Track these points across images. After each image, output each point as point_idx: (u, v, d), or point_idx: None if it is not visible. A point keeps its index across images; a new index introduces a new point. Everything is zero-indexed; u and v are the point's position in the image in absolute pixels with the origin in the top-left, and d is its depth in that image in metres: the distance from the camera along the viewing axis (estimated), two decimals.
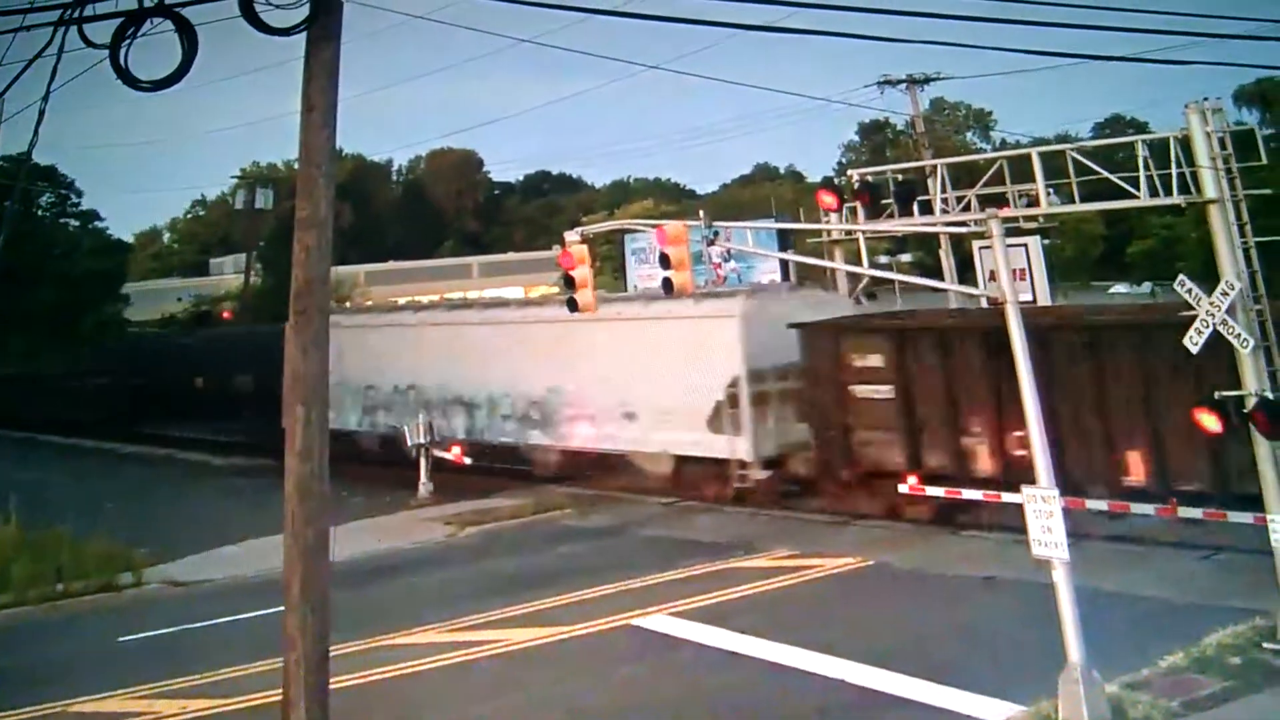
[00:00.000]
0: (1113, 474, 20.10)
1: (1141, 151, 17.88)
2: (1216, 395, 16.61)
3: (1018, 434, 18.72)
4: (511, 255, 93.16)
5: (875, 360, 23.42)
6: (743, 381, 25.67)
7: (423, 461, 29.70)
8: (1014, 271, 16.24)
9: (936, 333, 23.09)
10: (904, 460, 22.76)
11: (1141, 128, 59.05)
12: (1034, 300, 21.49)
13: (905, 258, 37.89)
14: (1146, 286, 67.42)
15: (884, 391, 23.17)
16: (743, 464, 25.83)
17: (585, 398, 29.15)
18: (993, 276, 15.74)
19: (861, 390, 23.54)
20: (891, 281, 28.92)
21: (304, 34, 10.19)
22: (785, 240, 38.67)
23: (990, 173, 20.55)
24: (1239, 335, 15.70)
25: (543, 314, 30.37)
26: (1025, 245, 23.10)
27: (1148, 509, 19.58)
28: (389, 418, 33.37)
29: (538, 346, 29.88)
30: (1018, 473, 16.47)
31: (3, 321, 54.15)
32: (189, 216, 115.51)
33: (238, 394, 39.78)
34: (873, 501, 23.74)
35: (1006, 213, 17.87)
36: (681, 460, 27.21)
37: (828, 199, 22.19)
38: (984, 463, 21.75)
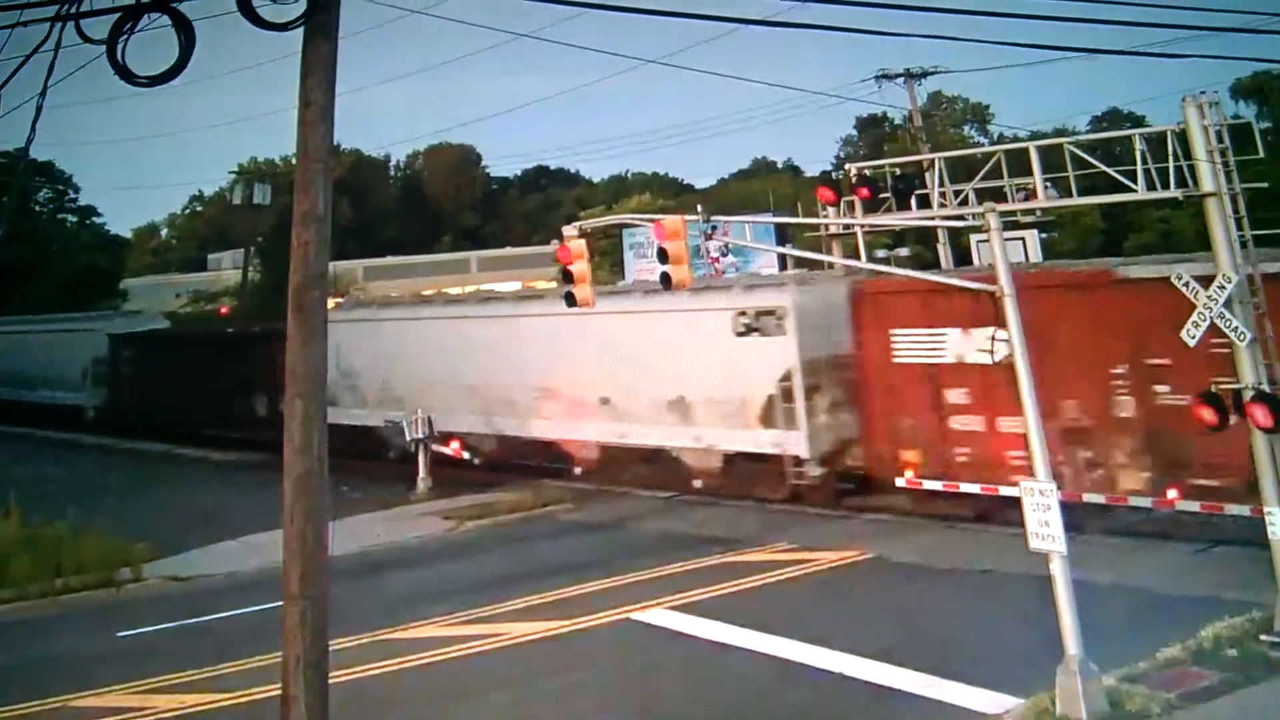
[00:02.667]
0: None
1: (1139, 145, 17.89)
2: (1214, 388, 16.65)
3: None
4: (510, 250, 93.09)
5: None
6: (796, 374, 24.68)
7: (422, 456, 29.70)
8: (1012, 265, 16.26)
9: None
10: None
11: (1139, 121, 58.99)
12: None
13: (903, 252, 37.84)
14: None
15: None
16: (798, 460, 24.92)
17: (629, 392, 27.99)
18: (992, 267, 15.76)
19: None
20: (890, 274, 28.88)
21: (301, 29, 10.19)
22: (783, 235, 38.65)
23: (988, 167, 20.53)
24: (1236, 328, 15.72)
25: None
26: (1023, 239, 23.18)
27: (1145, 502, 19.66)
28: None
29: (581, 340, 28.24)
30: None
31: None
32: (187, 212, 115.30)
33: None
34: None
35: (1004, 207, 17.87)
36: (731, 457, 26.28)
37: (826, 193, 22.21)
38: None
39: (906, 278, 22.09)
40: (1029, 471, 13.18)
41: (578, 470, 30.06)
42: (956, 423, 22.27)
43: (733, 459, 26.26)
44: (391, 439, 31.58)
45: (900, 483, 22.83)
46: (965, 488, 21.81)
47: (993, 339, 13.52)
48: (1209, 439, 16.25)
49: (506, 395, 30.61)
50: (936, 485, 22.34)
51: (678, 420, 26.96)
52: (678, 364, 26.62)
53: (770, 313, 25.34)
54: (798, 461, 24.82)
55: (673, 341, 26.76)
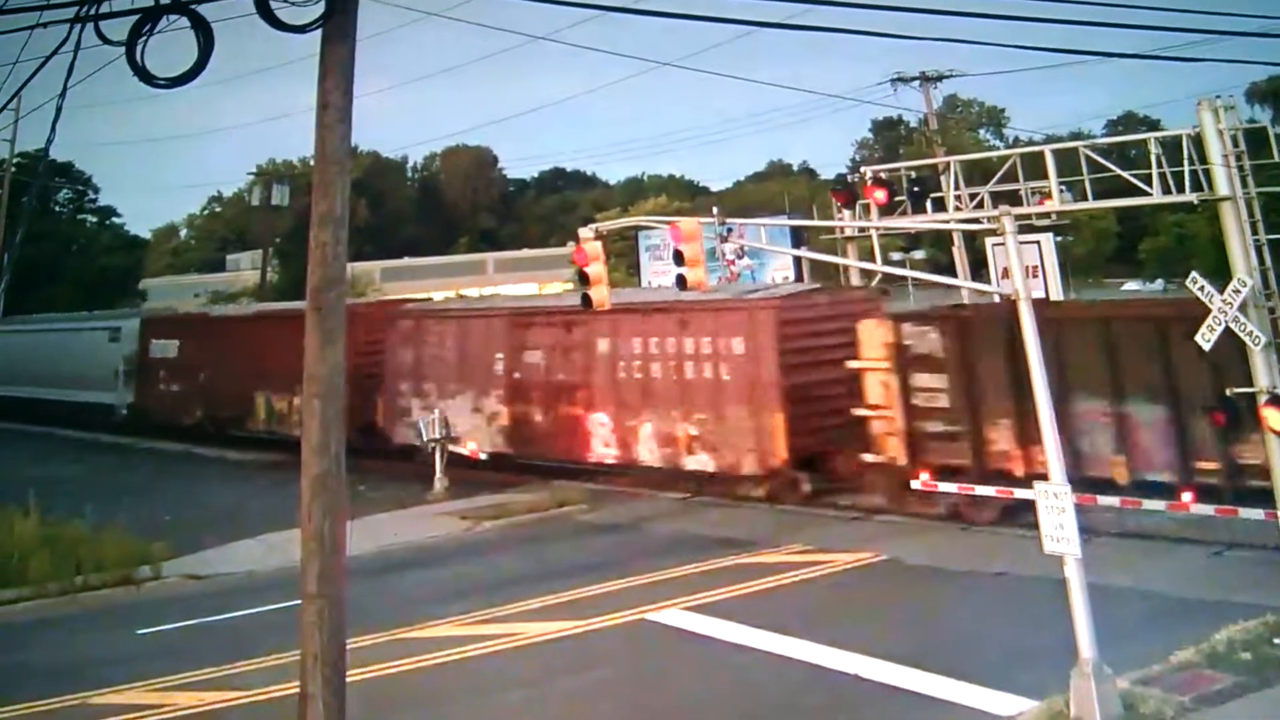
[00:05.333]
0: None
1: (1154, 149, 17.92)
2: (1229, 392, 16.66)
3: None
4: (526, 252, 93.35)
5: None
6: None
7: (438, 457, 29.79)
8: (1027, 268, 16.33)
9: None
10: None
11: (1154, 125, 58.99)
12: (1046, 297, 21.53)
13: (919, 254, 37.81)
14: (1159, 284, 67.32)
15: None
16: None
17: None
18: (1006, 273, 15.82)
19: None
20: (904, 279, 28.93)
21: (319, 31, 10.27)
22: (798, 237, 38.69)
23: (1003, 170, 20.56)
24: (1251, 333, 15.74)
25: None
26: (1038, 242, 23.12)
27: (1159, 504, 19.66)
28: None
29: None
30: None
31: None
32: (206, 213, 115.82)
33: None
34: None
35: (1019, 210, 17.92)
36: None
37: (841, 196, 22.25)
38: None
39: None
40: None
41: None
42: None
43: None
44: None
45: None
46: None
47: None
48: None
49: None
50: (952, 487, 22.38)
51: None
52: None
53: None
54: None
55: None
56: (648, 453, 27.52)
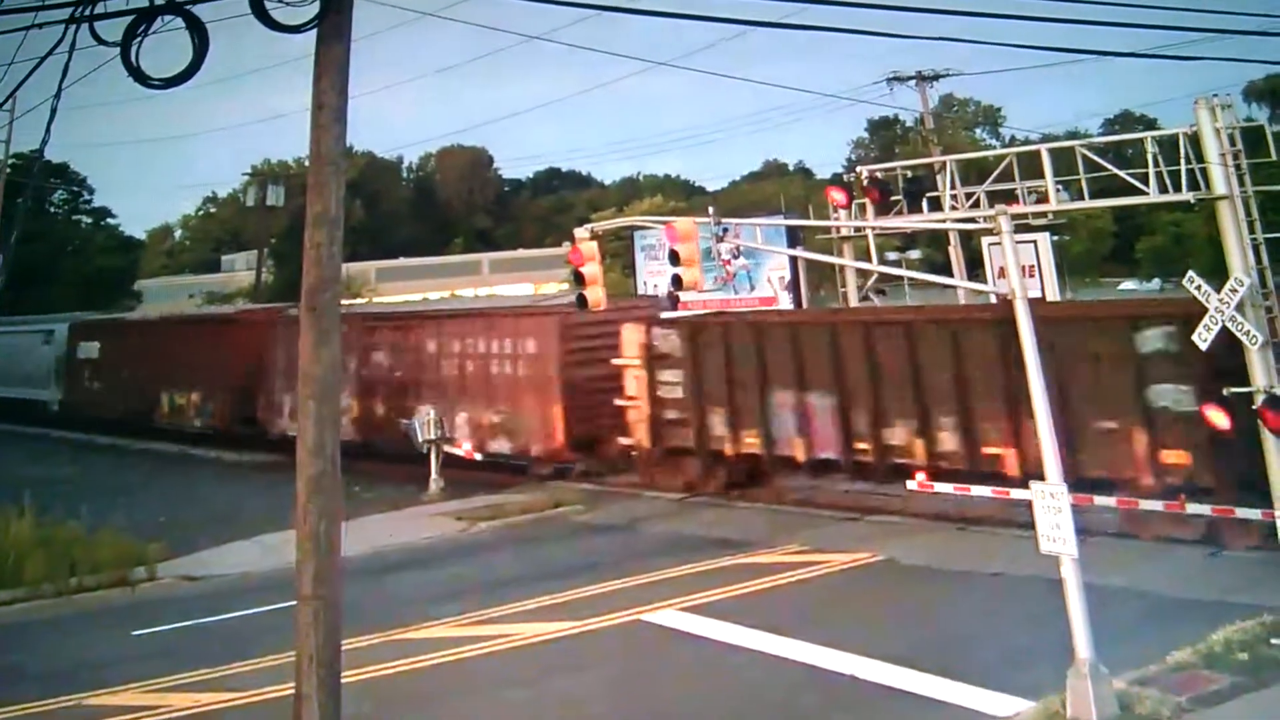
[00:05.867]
0: None
1: (1151, 148, 17.96)
2: (1225, 392, 16.67)
3: None
4: (521, 252, 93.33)
5: None
6: None
7: (433, 457, 29.77)
8: (1023, 268, 16.34)
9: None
10: None
11: (1151, 124, 58.90)
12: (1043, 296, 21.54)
13: (914, 254, 37.79)
14: (1155, 283, 67.39)
15: None
16: None
17: None
18: (1002, 273, 15.82)
19: None
20: (900, 278, 28.94)
21: (314, 31, 10.25)
22: (794, 237, 38.59)
23: (1000, 169, 20.60)
24: (1248, 332, 15.75)
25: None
26: (1035, 242, 23.16)
27: (1157, 505, 19.66)
28: None
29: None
30: None
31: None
32: (200, 214, 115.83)
33: None
34: None
35: (1016, 209, 17.93)
36: None
37: (837, 195, 22.26)
38: None
39: None
40: None
41: None
42: None
43: None
44: None
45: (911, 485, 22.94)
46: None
47: None
48: None
49: None
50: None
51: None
52: None
53: None
54: None
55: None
56: (463, 438, 31.32)
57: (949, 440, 22.21)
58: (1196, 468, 19.17)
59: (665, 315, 28.45)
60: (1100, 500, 19.93)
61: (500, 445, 30.90)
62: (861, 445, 23.61)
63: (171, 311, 49.47)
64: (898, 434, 22.93)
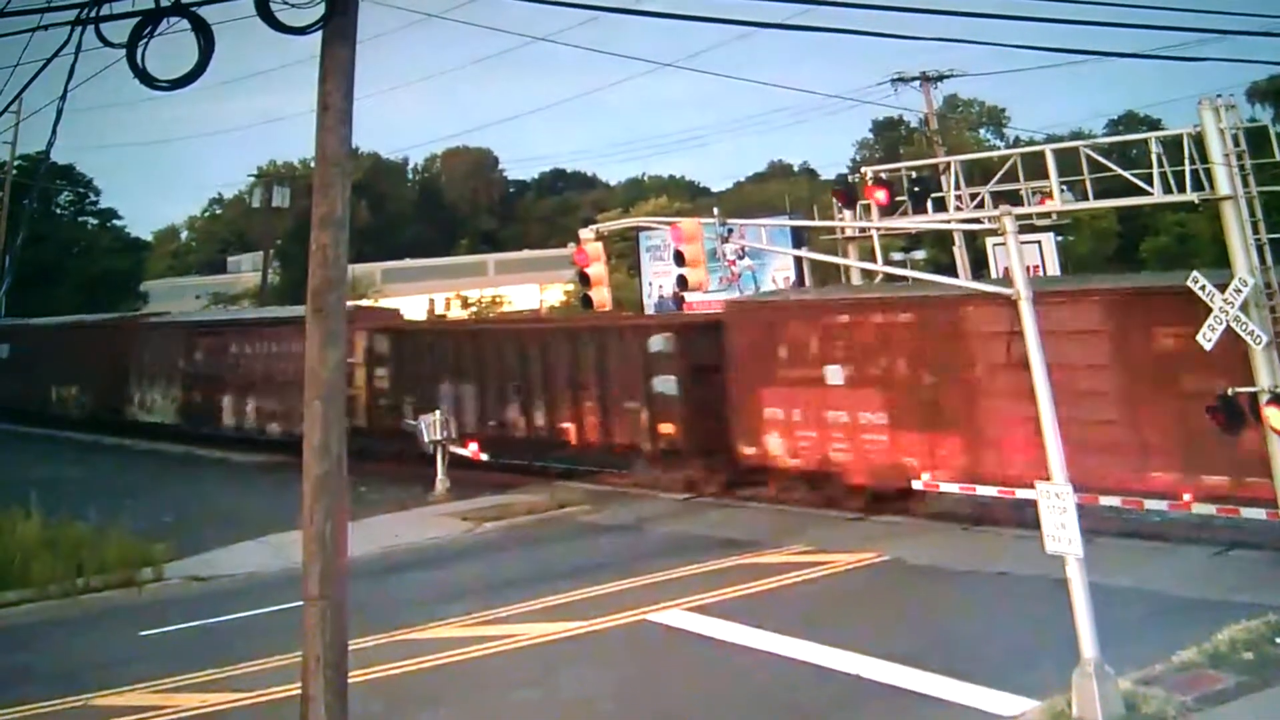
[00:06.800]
0: None
1: (1155, 148, 17.95)
2: (1230, 391, 16.68)
3: None
4: (527, 253, 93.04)
5: None
6: None
7: (439, 458, 29.80)
8: (1028, 268, 16.34)
9: None
10: None
11: (1155, 124, 58.78)
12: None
13: (919, 255, 37.78)
14: None
15: None
16: None
17: None
18: (1007, 273, 15.83)
19: None
20: (905, 279, 28.94)
21: (319, 33, 10.27)
22: (799, 238, 38.59)
23: (1004, 170, 20.59)
24: (1252, 332, 15.75)
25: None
26: (1039, 242, 23.18)
27: (1162, 504, 19.68)
28: None
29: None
30: None
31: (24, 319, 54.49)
32: (206, 215, 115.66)
33: None
34: None
35: (1020, 210, 17.94)
36: None
37: (842, 196, 22.27)
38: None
39: None
40: None
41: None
42: None
43: None
44: None
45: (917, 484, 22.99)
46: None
47: None
48: None
49: None
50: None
51: None
52: None
53: None
54: None
55: None
56: (251, 423, 38.73)
57: (540, 418, 30.56)
58: (678, 436, 27.41)
59: (381, 325, 36.44)
60: (1105, 500, 19.95)
61: (274, 430, 37.40)
62: (490, 421, 31.67)
63: (68, 319, 53.28)
64: (510, 413, 31.37)
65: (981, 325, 20.78)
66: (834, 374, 24.46)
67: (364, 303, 53.44)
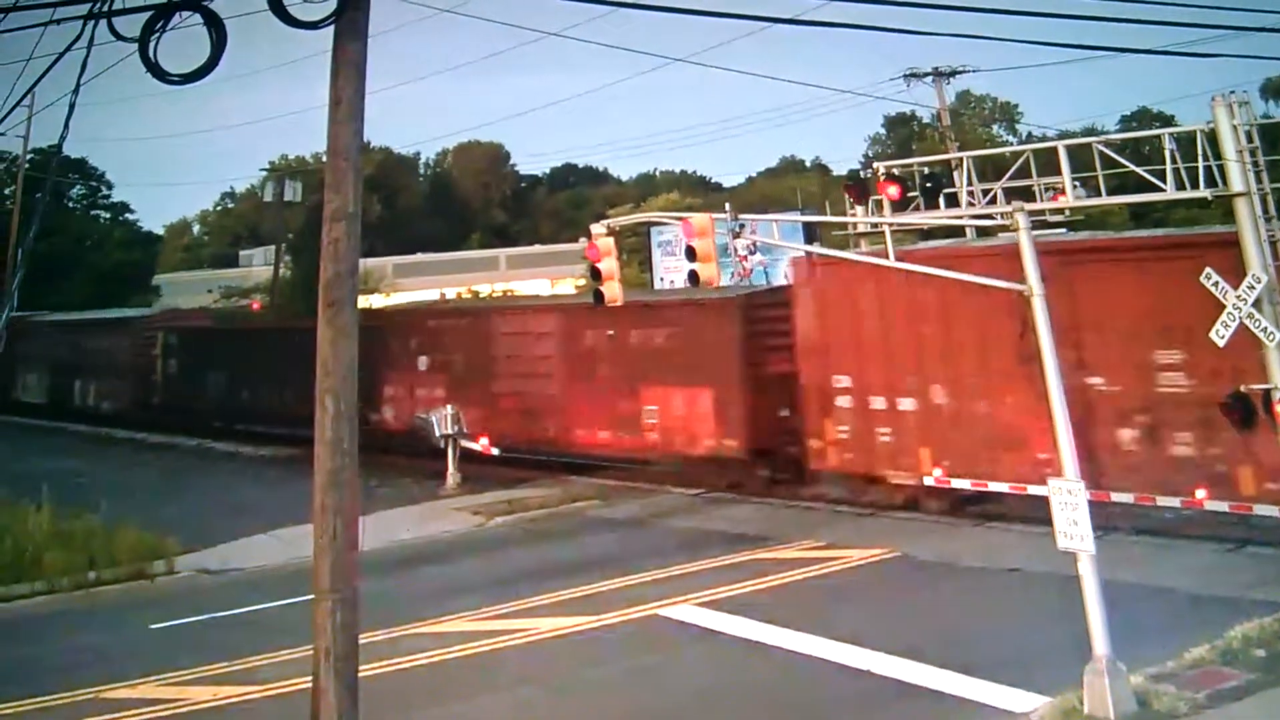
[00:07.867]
0: None
1: (1168, 145, 17.89)
2: (1243, 388, 16.63)
3: None
4: (538, 248, 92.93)
5: None
6: None
7: (450, 452, 29.84)
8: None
9: None
10: None
11: (1168, 121, 58.61)
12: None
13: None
14: None
15: None
16: None
17: None
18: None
19: None
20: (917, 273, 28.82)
21: (331, 28, 10.26)
22: (811, 233, 38.58)
23: (1016, 166, 20.52)
24: (1265, 329, 15.69)
25: None
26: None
27: (1174, 501, 19.64)
28: None
29: None
30: None
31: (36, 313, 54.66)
32: (219, 209, 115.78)
33: None
34: None
35: (1033, 206, 17.87)
36: None
37: (854, 192, 22.22)
38: None
39: None
40: None
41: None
42: None
43: None
44: None
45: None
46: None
47: None
48: None
49: None
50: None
51: None
52: None
53: None
54: None
55: None
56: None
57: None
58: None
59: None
60: (1117, 497, 19.91)
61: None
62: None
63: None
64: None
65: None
66: None
67: (375, 297, 54.33)
